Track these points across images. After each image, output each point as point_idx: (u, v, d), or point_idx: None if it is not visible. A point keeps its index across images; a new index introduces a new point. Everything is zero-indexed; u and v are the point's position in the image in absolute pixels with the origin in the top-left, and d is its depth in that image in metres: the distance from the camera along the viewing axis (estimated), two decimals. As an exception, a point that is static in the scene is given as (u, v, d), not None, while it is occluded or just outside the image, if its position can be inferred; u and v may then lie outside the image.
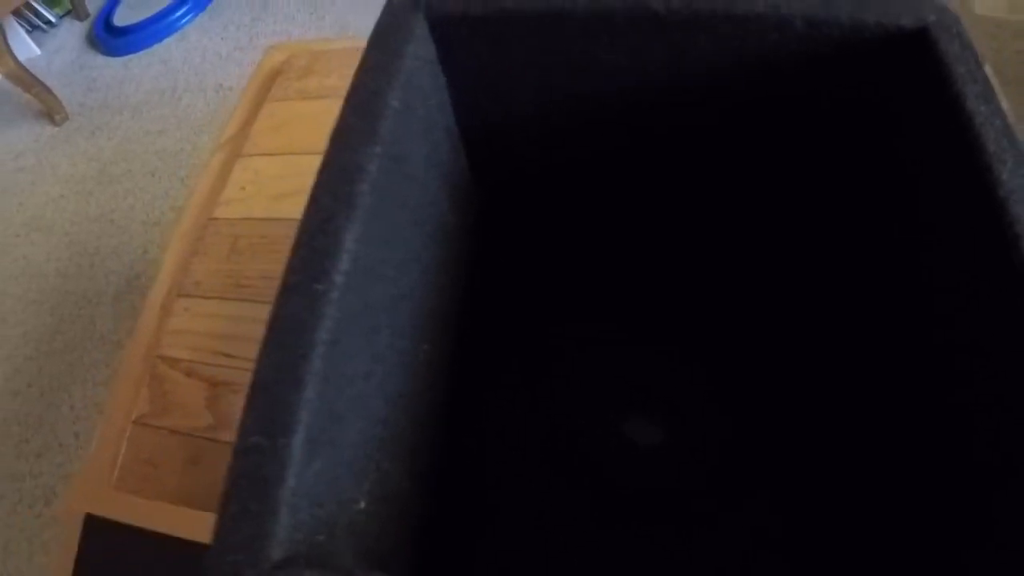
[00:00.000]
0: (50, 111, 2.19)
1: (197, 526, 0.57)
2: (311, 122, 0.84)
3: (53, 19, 2.55)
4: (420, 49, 0.39)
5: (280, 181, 0.79)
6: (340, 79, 0.88)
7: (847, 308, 0.49)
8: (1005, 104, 0.36)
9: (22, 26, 2.42)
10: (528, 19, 0.40)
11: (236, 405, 0.64)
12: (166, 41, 2.39)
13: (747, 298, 0.54)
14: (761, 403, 0.53)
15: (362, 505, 0.29)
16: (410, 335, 0.38)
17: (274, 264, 0.72)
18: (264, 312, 0.65)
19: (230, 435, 0.62)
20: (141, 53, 2.38)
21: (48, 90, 2.15)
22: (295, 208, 0.73)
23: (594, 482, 0.51)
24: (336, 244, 0.30)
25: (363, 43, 0.87)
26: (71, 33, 2.53)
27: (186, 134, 2.08)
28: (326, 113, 0.82)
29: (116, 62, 2.37)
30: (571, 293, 0.55)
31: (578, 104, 0.45)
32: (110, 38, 2.40)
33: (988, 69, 0.38)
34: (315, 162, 0.75)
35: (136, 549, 0.56)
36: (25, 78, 2.07)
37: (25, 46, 2.37)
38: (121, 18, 2.45)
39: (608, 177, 0.49)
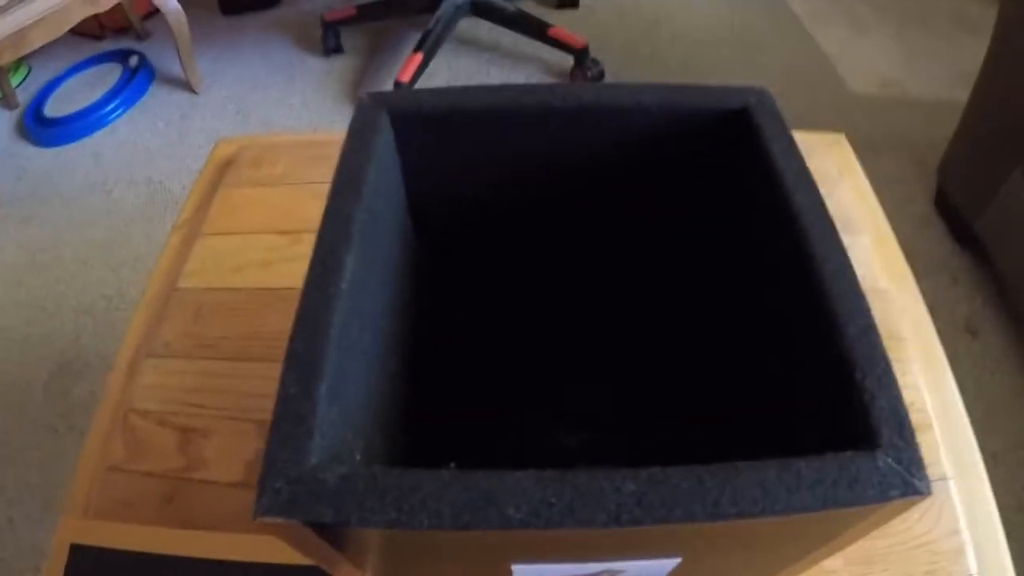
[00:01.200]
0: (-23, 199, 2.18)
1: (178, 543, 0.65)
2: (262, 206, 0.95)
3: (-20, 107, 2.53)
4: (383, 137, 0.52)
5: (237, 255, 0.89)
6: (286, 168, 1.00)
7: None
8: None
9: (-51, 114, 2.44)
10: (460, 115, 0.54)
11: (207, 448, 0.72)
12: (96, 134, 2.45)
13: (638, 327, 0.69)
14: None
15: (363, 438, 0.41)
16: (386, 332, 0.51)
17: (236, 327, 0.82)
18: (230, 368, 0.75)
19: (202, 474, 0.70)
20: (71, 145, 2.42)
21: (-24, 177, 2.15)
22: (252, 279, 0.83)
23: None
24: (339, 263, 0.42)
25: (305, 137, 0.99)
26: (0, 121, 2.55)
27: (117, 225, 2.13)
28: (276, 198, 0.94)
29: (46, 153, 2.41)
30: (503, 322, 0.68)
31: (495, 179, 0.59)
32: (41, 129, 2.45)
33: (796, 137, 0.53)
34: (268, 240, 0.87)
35: (120, 570, 0.63)
36: (-47, 165, 2.08)
37: (-48, 133, 2.38)
38: (52, 109, 2.51)
39: (525, 233, 0.63)
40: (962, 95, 1.84)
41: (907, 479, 0.34)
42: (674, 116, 0.54)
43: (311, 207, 0.92)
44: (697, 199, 0.60)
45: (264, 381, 0.75)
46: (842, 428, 0.38)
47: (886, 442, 0.35)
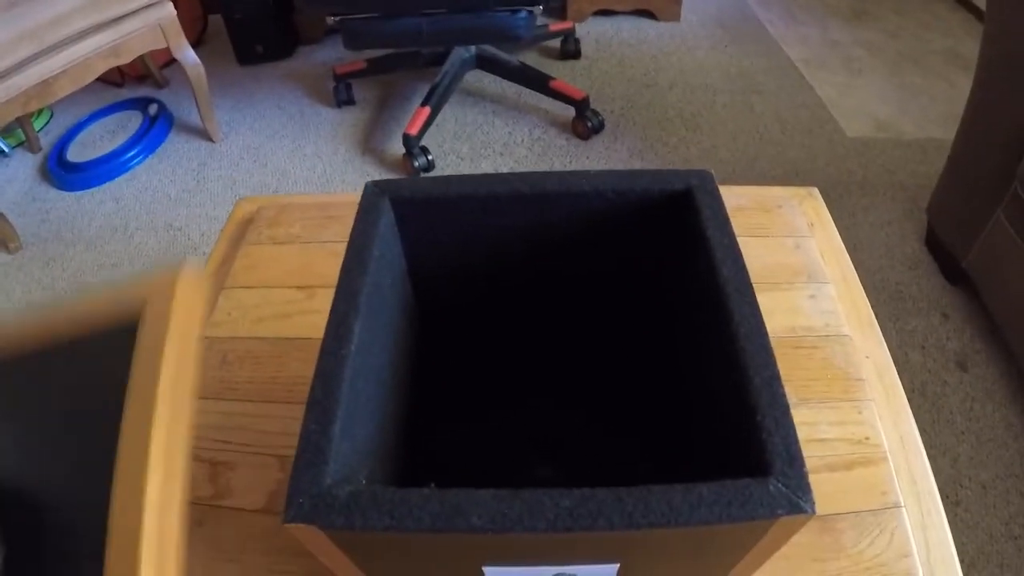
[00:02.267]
0: (4, 239, 2.28)
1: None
2: (280, 263, 1.06)
3: (6, 149, 2.65)
4: (386, 218, 0.63)
5: (258, 308, 1.00)
6: (302, 228, 1.10)
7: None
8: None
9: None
10: (447, 200, 0.65)
11: (234, 479, 0.81)
12: (117, 179, 2.53)
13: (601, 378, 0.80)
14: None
15: (368, 466, 0.51)
16: (387, 382, 0.61)
17: (258, 372, 0.91)
18: (253, 408, 0.86)
19: (229, 502, 0.80)
20: (93, 189, 2.50)
21: (3, 218, 2.25)
22: (272, 329, 0.94)
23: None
24: (349, 330, 0.53)
25: (318, 199, 1.10)
26: (23, 164, 2.64)
27: (139, 268, 2.19)
28: (292, 256, 1.05)
29: (69, 196, 2.49)
30: (486, 366, 0.80)
31: (478, 252, 0.70)
32: (63, 173, 2.53)
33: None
34: (286, 294, 0.98)
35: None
36: (-20, 206, 2.17)
37: (-24, 174, 2.47)
38: (74, 154, 2.60)
39: (504, 293, 0.75)
40: (953, 134, 1.88)
41: (793, 501, 0.44)
42: (628, 198, 0.65)
43: (324, 264, 1.03)
44: (646, 266, 0.71)
45: (284, 421, 0.86)
46: (745, 458, 0.48)
47: (777, 471, 0.46)
